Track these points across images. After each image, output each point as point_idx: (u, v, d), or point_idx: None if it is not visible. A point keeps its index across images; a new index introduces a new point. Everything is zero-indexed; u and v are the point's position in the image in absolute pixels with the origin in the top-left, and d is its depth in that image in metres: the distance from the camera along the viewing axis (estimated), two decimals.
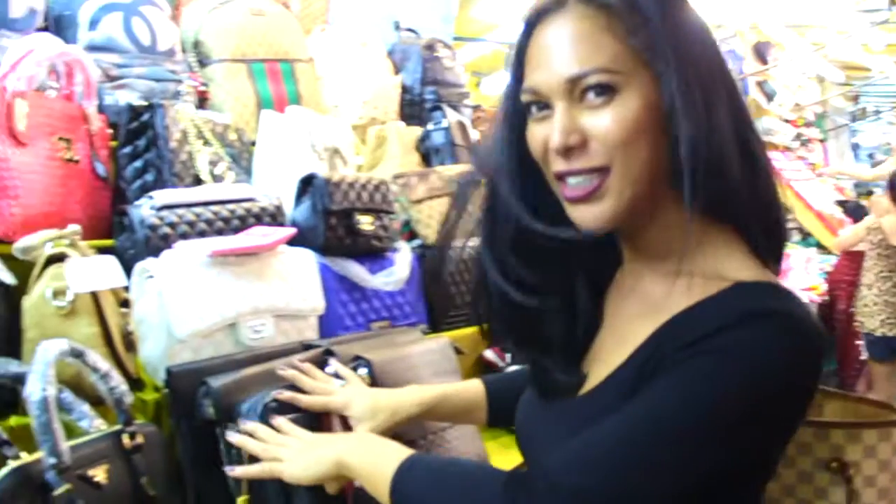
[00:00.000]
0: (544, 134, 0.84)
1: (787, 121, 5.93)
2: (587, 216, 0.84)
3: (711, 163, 0.79)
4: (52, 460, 0.93)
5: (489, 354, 2.09)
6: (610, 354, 0.90)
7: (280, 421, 1.14)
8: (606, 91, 0.80)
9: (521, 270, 0.93)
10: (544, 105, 0.85)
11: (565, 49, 0.82)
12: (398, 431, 1.39)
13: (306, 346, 1.49)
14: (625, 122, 0.80)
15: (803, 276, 4.65)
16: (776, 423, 0.79)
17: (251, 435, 1.10)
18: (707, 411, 0.75)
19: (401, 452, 0.93)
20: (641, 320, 0.87)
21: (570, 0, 0.83)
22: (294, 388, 1.21)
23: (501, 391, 1.24)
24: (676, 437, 0.75)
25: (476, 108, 3.07)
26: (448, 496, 0.86)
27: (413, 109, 2.79)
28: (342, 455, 0.98)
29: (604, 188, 0.82)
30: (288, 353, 1.42)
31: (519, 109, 0.89)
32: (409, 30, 3.06)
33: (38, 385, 0.97)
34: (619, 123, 0.80)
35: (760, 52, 5.71)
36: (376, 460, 0.94)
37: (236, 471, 1.09)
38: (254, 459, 1.20)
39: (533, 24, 0.86)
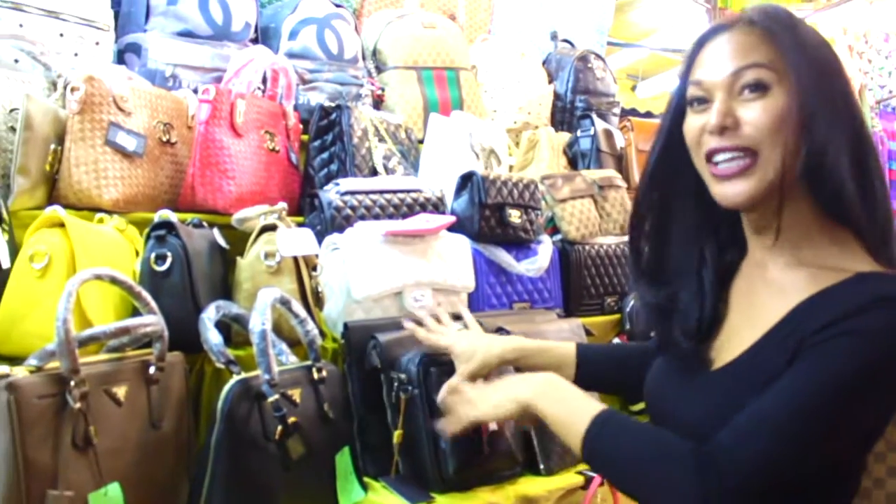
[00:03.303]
0: (702, 120, 1.01)
1: None
2: (730, 192, 0.99)
3: (832, 171, 0.94)
4: (267, 376, 1.22)
5: (616, 342, 2.26)
6: (741, 334, 1.01)
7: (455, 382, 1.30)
8: (759, 88, 0.96)
9: (658, 263, 1.11)
10: (704, 99, 1.01)
11: (730, 52, 1.00)
12: None
13: (456, 317, 1.73)
14: (772, 113, 0.95)
15: None
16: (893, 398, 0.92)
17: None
18: (852, 385, 0.86)
19: (591, 404, 1.02)
20: (770, 304, 0.99)
21: (738, 22, 1.01)
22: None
23: (590, 357, 1.37)
24: (833, 407, 0.87)
25: (626, 115, 3.21)
26: (640, 460, 0.95)
27: (564, 116, 2.98)
28: (535, 400, 1.08)
29: (751, 168, 0.97)
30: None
31: (681, 108, 1.06)
32: (566, 41, 3.25)
33: (260, 320, 1.25)
34: (768, 113, 0.95)
35: None
36: (568, 408, 1.04)
37: (442, 423, 1.23)
38: (409, 405, 1.43)
39: (706, 39, 1.04)
